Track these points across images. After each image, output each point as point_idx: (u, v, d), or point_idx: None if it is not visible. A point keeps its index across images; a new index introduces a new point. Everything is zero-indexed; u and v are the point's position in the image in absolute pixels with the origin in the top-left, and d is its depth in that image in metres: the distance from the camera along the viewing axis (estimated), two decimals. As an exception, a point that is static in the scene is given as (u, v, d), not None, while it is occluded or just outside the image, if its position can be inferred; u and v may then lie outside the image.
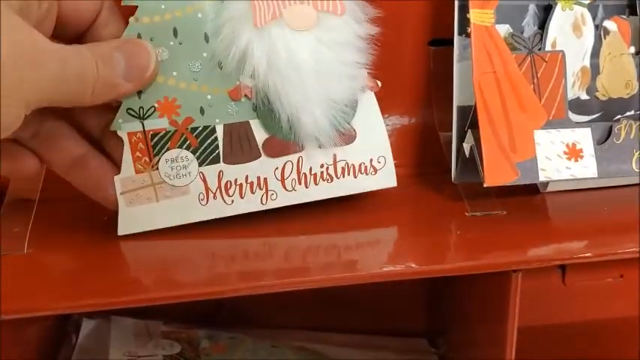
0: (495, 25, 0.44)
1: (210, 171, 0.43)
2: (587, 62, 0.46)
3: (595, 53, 0.46)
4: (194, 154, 0.43)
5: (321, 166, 0.45)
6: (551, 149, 0.44)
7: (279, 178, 0.44)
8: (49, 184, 0.46)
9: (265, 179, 0.44)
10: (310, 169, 0.44)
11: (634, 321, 0.60)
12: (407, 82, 0.50)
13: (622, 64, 0.47)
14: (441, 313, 0.59)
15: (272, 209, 0.44)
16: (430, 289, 0.60)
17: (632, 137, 0.46)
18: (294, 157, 0.44)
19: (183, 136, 0.43)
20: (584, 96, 0.47)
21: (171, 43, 0.42)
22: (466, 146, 0.45)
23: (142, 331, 0.53)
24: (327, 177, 0.45)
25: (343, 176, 0.45)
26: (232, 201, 0.44)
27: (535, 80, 0.45)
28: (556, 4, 0.45)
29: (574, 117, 0.46)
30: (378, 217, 0.46)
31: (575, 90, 0.46)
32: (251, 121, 0.43)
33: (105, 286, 0.39)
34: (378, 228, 0.46)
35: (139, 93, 0.42)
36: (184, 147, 0.43)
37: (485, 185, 0.43)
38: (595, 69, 0.46)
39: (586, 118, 0.46)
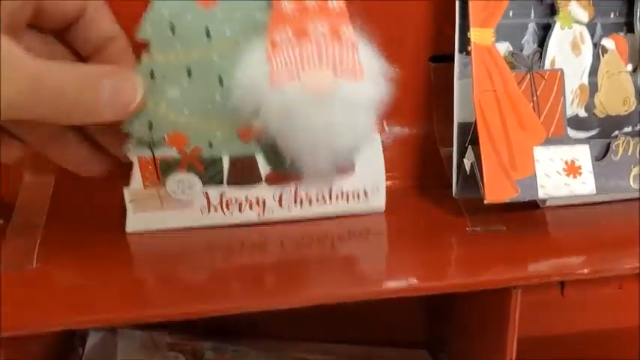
0: (495, 43, 0.45)
1: (214, 190, 0.45)
2: (585, 80, 0.47)
3: (593, 71, 0.47)
4: (199, 177, 0.44)
5: (317, 192, 0.46)
6: (551, 166, 0.45)
7: (277, 200, 0.46)
8: (57, 198, 0.47)
9: (264, 200, 0.46)
10: (306, 194, 0.46)
11: (633, 331, 0.60)
12: (408, 96, 0.51)
13: (620, 82, 0.48)
14: (441, 324, 0.60)
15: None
16: (430, 301, 0.61)
17: (629, 154, 0.47)
18: (292, 185, 0.46)
19: (191, 163, 0.44)
20: (583, 113, 0.47)
21: (185, 82, 0.42)
22: (467, 163, 0.46)
23: (147, 343, 0.53)
24: (321, 200, 0.47)
25: (337, 201, 0.47)
26: (231, 214, 0.46)
27: (534, 98, 0.45)
28: (555, 22, 0.46)
29: (573, 133, 0.47)
30: (379, 230, 0.47)
31: (574, 107, 0.47)
32: (256, 155, 0.45)
33: (113, 301, 0.40)
34: (379, 242, 0.47)
35: (150, 126, 0.42)
36: (191, 171, 0.44)
37: (485, 202, 0.44)
38: (593, 86, 0.47)
39: (584, 135, 0.47)
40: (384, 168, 0.47)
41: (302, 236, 0.46)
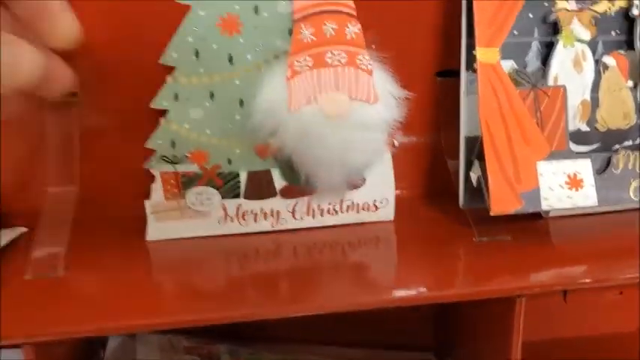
0: (500, 61, 0.47)
1: (231, 203, 0.47)
2: (587, 96, 0.49)
3: (595, 87, 0.49)
4: (218, 190, 0.46)
5: (329, 204, 0.49)
6: (554, 179, 0.47)
7: (290, 211, 0.48)
8: (81, 208, 0.48)
9: (278, 211, 0.48)
10: (318, 206, 0.49)
11: (634, 335, 0.62)
12: (415, 110, 0.52)
13: (621, 98, 0.49)
14: (447, 329, 0.62)
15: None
16: (437, 307, 0.62)
17: (630, 167, 0.49)
18: (305, 198, 0.48)
19: (211, 178, 0.46)
20: (585, 127, 0.49)
21: (207, 104, 0.44)
22: (473, 176, 0.48)
23: (165, 347, 0.55)
24: (333, 212, 0.49)
25: (347, 212, 0.49)
26: (247, 224, 0.48)
27: (538, 114, 0.47)
28: (558, 41, 0.48)
29: (575, 147, 0.49)
30: (389, 238, 0.50)
31: (576, 122, 0.49)
32: (272, 170, 0.47)
33: (133, 309, 0.42)
34: (389, 250, 0.49)
35: (173, 144, 0.45)
36: (210, 185, 0.46)
37: (491, 214, 0.46)
38: (595, 102, 0.49)
39: (586, 149, 0.49)
40: (393, 182, 0.49)
41: (314, 243, 0.48)
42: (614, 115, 0.49)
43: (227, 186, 0.47)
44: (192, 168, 0.46)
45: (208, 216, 0.47)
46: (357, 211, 0.49)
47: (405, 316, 0.61)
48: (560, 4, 0.48)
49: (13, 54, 0.37)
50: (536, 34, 0.48)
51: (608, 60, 0.49)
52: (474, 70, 0.47)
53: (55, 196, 0.49)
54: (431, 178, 0.53)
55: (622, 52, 0.49)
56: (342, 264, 0.47)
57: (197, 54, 0.43)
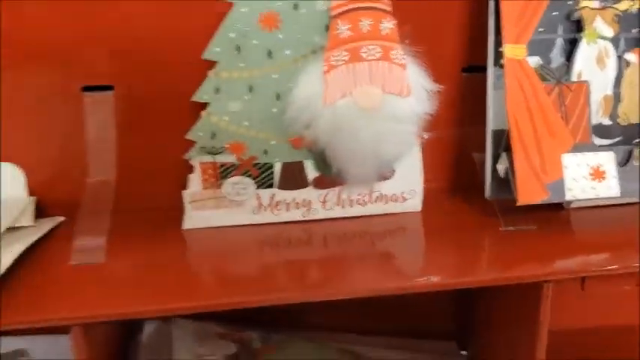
0: (527, 57, 0.49)
1: (265, 193, 0.49)
2: (609, 91, 0.51)
3: (617, 83, 0.51)
4: (253, 180, 0.48)
5: (358, 194, 0.50)
6: (578, 171, 0.48)
7: (322, 201, 0.50)
8: (120, 195, 0.50)
9: (309, 201, 0.50)
10: (348, 196, 0.50)
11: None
12: (442, 104, 0.54)
13: (641, 93, 0.51)
14: (469, 317, 0.63)
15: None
16: (460, 295, 0.64)
17: (649, 160, 0.51)
18: (336, 189, 0.50)
19: (247, 169, 0.48)
20: (607, 121, 0.51)
21: (246, 97, 0.46)
22: (500, 167, 0.49)
23: (199, 332, 0.57)
24: (362, 202, 0.51)
25: (376, 203, 0.51)
26: (279, 213, 0.50)
27: (563, 108, 0.49)
28: (581, 38, 0.50)
29: (597, 141, 0.50)
30: (416, 228, 0.51)
31: (599, 116, 0.50)
32: (305, 161, 0.49)
33: (170, 294, 0.43)
34: (416, 239, 0.51)
35: (213, 135, 0.47)
36: (246, 175, 0.48)
37: (518, 204, 0.48)
38: (617, 97, 0.51)
39: (608, 142, 0.51)
40: (422, 174, 0.51)
41: (344, 232, 0.50)
42: (635, 110, 0.51)
43: (262, 176, 0.48)
44: (230, 159, 0.47)
45: (243, 205, 0.49)
46: (386, 202, 0.51)
47: (430, 306, 0.62)
48: (583, 3, 0.49)
49: None
50: (560, 32, 0.50)
51: (630, 57, 0.51)
52: (501, 66, 0.49)
53: (94, 186, 0.50)
54: (456, 172, 0.55)
55: (643, 49, 0.51)
56: (370, 252, 0.49)
57: (238, 49, 0.45)
